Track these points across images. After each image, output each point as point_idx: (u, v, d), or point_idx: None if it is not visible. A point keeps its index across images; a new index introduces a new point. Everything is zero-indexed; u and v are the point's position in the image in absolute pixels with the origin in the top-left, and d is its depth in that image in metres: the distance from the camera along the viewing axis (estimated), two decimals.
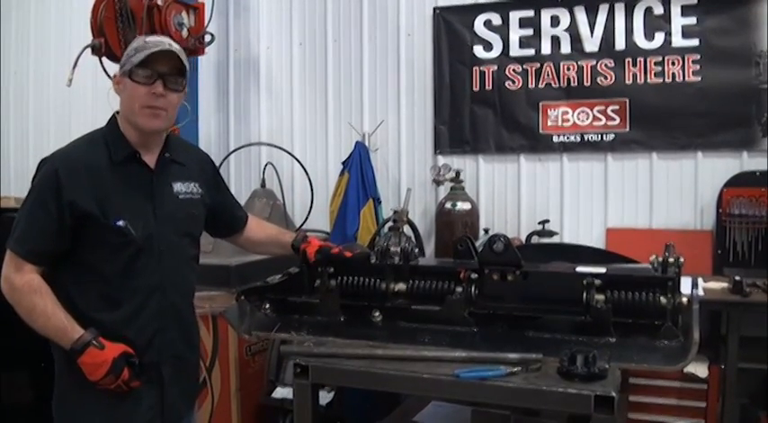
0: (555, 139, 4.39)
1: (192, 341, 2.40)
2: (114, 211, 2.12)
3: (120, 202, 2.14)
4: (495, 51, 4.50)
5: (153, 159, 2.24)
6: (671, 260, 2.23)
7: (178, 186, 2.29)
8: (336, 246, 2.58)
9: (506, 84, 4.47)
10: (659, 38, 4.16)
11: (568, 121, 4.36)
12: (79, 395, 2.15)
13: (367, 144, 4.70)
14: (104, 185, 2.13)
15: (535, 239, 4.22)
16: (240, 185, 5.05)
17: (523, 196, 4.50)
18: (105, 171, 2.15)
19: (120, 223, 2.11)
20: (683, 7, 4.11)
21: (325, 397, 3.65)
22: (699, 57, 4.09)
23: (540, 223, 4.29)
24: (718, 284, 3.59)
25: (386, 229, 4.18)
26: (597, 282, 2.24)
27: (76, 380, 2.10)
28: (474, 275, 2.39)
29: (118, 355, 2.07)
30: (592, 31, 4.29)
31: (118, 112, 2.27)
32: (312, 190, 4.54)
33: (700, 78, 4.09)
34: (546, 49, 4.38)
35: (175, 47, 2.17)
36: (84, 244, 2.12)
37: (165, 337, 2.23)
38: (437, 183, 4.52)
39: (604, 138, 4.29)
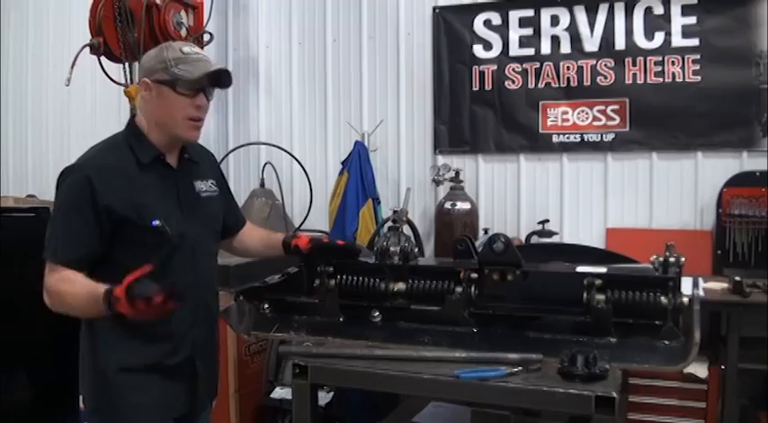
0: (555, 138, 4.39)
1: (217, 335, 2.46)
2: (149, 211, 2.14)
3: (153, 202, 2.17)
4: (495, 51, 4.49)
5: (174, 160, 2.28)
6: (672, 260, 2.23)
7: (198, 185, 2.34)
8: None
9: (506, 83, 4.47)
10: (659, 37, 4.15)
11: (568, 120, 4.35)
12: (121, 394, 2.17)
13: (366, 144, 4.69)
14: (136, 188, 2.15)
15: (535, 239, 4.21)
16: (239, 185, 5.04)
17: (523, 196, 4.49)
18: (134, 174, 2.17)
19: (156, 223, 2.14)
20: (683, 7, 4.10)
21: (324, 397, 3.65)
22: (699, 57, 4.08)
23: (539, 223, 4.28)
24: (717, 285, 3.59)
25: (385, 228, 4.17)
26: (598, 282, 2.23)
27: (122, 380, 2.15)
28: (474, 275, 2.39)
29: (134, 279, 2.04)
30: (592, 31, 4.28)
31: (134, 116, 2.29)
32: (311, 190, 4.53)
33: (700, 78, 4.08)
34: (546, 48, 4.37)
35: (218, 64, 2.26)
36: (120, 246, 2.14)
37: (198, 332, 2.28)
38: (436, 182, 4.52)
39: (604, 137, 4.28)
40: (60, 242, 2.11)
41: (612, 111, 4.25)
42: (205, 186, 2.36)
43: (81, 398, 2.32)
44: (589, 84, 4.29)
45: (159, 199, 2.19)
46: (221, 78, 2.25)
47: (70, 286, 2.06)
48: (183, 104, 2.17)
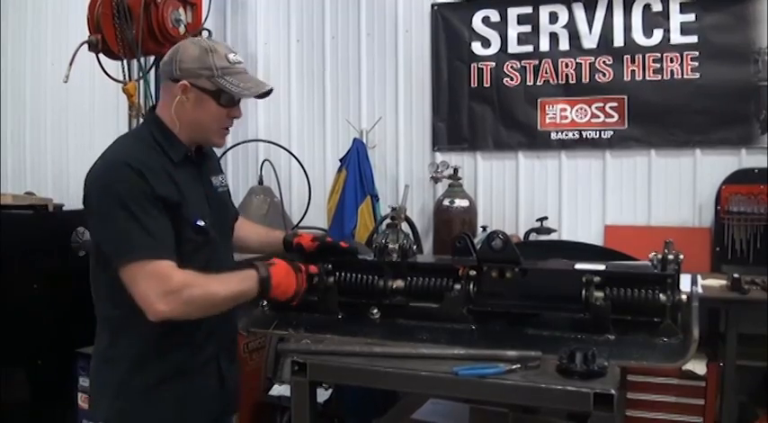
0: (553, 136, 4.39)
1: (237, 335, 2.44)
2: (190, 210, 2.10)
3: (192, 200, 2.13)
4: (494, 48, 4.48)
5: (193, 157, 2.25)
6: (670, 257, 2.22)
7: (214, 180, 2.32)
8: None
9: (504, 80, 4.46)
10: (658, 35, 4.15)
11: (567, 118, 4.35)
12: (146, 396, 2.10)
13: (365, 141, 4.68)
14: (175, 185, 2.10)
15: (533, 237, 4.22)
16: (237, 182, 5.04)
17: (522, 193, 4.49)
18: (171, 171, 2.10)
19: (201, 223, 2.12)
20: (681, 4, 4.09)
21: (322, 394, 3.65)
22: (697, 54, 4.08)
23: (538, 220, 4.28)
24: (716, 282, 3.59)
25: (384, 226, 4.16)
26: (596, 279, 2.23)
27: (145, 381, 2.09)
28: (472, 273, 2.39)
29: (294, 264, 2.24)
30: (590, 28, 4.27)
31: (153, 107, 2.25)
32: (310, 187, 4.52)
33: (698, 75, 4.08)
34: (544, 45, 4.37)
35: (269, 84, 2.25)
36: None
37: (222, 329, 2.25)
38: (435, 180, 4.53)
39: (603, 135, 4.28)
40: (136, 239, 1.95)
41: (611, 108, 4.25)
42: (219, 182, 2.34)
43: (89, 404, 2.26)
44: (588, 81, 4.28)
45: (194, 197, 2.15)
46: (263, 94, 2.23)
47: (213, 290, 2.02)
48: (221, 115, 2.15)
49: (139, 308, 1.96)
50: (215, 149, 2.55)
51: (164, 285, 1.93)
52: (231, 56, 2.15)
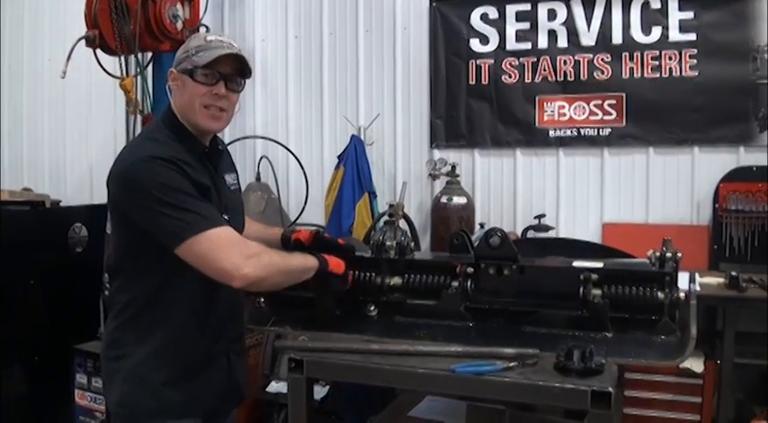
0: (551, 133, 4.38)
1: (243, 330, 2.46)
2: (215, 203, 2.12)
3: (213, 195, 2.13)
4: (492, 45, 4.48)
5: (207, 151, 2.24)
6: (668, 255, 2.22)
7: (227, 178, 2.32)
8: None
9: (503, 78, 4.46)
10: (656, 32, 4.15)
11: (565, 115, 4.35)
12: (156, 388, 2.12)
13: (362, 138, 4.68)
14: (205, 174, 2.12)
15: (531, 234, 4.22)
16: None
17: (519, 191, 4.49)
18: (191, 167, 2.08)
19: (226, 217, 2.13)
20: (680, 1, 4.10)
21: (319, 391, 3.65)
22: (696, 51, 4.08)
23: (536, 218, 4.29)
24: (714, 280, 3.60)
25: (381, 223, 4.16)
26: (594, 276, 2.23)
27: (155, 374, 2.10)
28: (470, 270, 2.38)
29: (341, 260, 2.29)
30: (589, 25, 4.27)
31: (169, 105, 2.23)
32: (307, 184, 4.52)
33: (697, 73, 4.08)
34: (543, 42, 4.37)
35: (237, 49, 2.18)
36: None
37: (229, 325, 2.26)
38: (433, 177, 4.53)
39: (601, 132, 4.28)
40: (193, 217, 1.96)
41: (609, 105, 4.25)
42: (231, 179, 2.34)
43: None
44: (586, 78, 4.28)
45: (214, 192, 2.15)
46: (241, 66, 2.19)
47: (282, 259, 2.10)
48: (200, 92, 2.12)
49: (157, 301, 2.05)
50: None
51: (246, 249, 2.00)
52: (210, 37, 2.16)
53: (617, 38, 4.22)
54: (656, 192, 4.22)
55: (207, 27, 4.38)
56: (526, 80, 4.41)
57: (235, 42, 2.20)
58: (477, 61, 4.52)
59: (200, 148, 2.18)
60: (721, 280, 3.56)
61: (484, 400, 2.65)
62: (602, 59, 4.24)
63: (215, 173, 2.23)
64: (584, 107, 4.31)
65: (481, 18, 4.49)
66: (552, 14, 4.34)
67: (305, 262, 2.18)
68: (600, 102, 4.27)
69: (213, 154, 2.25)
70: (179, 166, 2.00)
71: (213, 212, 2.02)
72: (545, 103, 4.38)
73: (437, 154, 4.61)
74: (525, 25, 4.40)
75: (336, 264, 2.26)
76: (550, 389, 1.90)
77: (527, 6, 4.39)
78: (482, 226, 4.30)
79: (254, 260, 1.98)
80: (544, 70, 4.37)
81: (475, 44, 4.52)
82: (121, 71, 4.07)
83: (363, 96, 4.83)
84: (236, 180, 2.40)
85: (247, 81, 2.29)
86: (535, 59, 4.38)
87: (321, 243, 2.52)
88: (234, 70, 2.18)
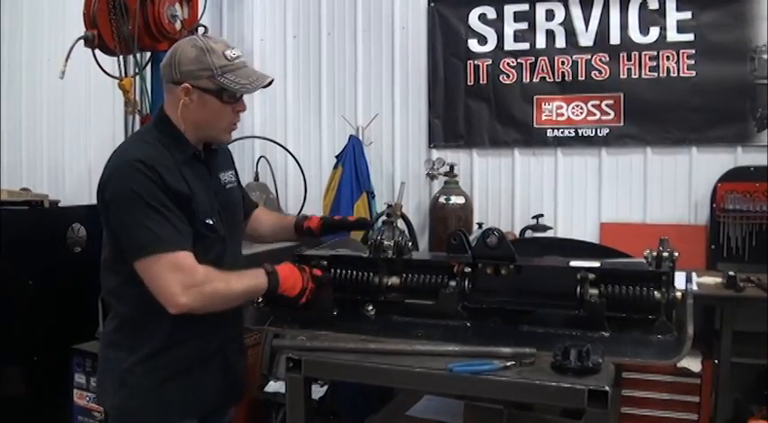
0: (549, 133, 4.39)
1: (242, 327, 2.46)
2: (199, 208, 2.11)
3: (200, 199, 2.13)
4: (490, 45, 4.49)
5: (201, 154, 2.24)
6: (665, 254, 2.22)
7: (223, 176, 2.32)
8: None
9: (501, 78, 4.47)
10: (654, 32, 4.16)
11: (563, 115, 4.36)
12: (152, 389, 2.12)
13: (361, 137, 4.69)
14: (186, 180, 2.10)
15: (529, 234, 4.22)
16: None
17: (517, 190, 4.50)
18: (180, 170, 2.10)
19: (209, 221, 2.13)
20: (678, 2, 4.11)
21: (317, 391, 3.65)
22: (694, 51, 4.09)
23: (533, 217, 4.29)
24: (711, 279, 3.60)
25: (379, 222, 4.16)
26: (591, 276, 2.23)
27: (151, 374, 2.11)
28: (468, 269, 2.38)
29: (298, 265, 2.29)
30: (587, 26, 4.28)
31: (162, 107, 2.22)
32: (305, 183, 4.53)
33: (694, 73, 4.09)
34: (541, 43, 4.37)
35: (268, 77, 2.23)
36: None
37: (226, 324, 2.26)
38: (431, 177, 4.53)
39: (599, 132, 4.29)
40: (155, 233, 1.96)
41: (607, 105, 4.25)
42: (228, 178, 2.34)
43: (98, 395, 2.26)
44: (584, 78, 4.29)
45: (202, 195, 2.15)
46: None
47: (223, 273, 2.05)
48: (226, 111, 2.15)
49: (150, 303, 1.99)
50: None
51: (188, 278, 1.96)
52: (229, 52, 2.14)
53: (615, 38, 4.22)
54: (653, 191, 4.23)
55: (205, 27, 4.38)
56: (524, 80, 4.42)
57: (238, 48, 2.21)
58: (476, 61, 4.52)
59: (192, 151, 2.17)
60: (719, 279, 3.57)
61: (481, 399, 2.66)
62: (600, 59, 4.25)
63: (208, 174, 2.23)
64: (582, 107, 4.31)
65: (479, 18, 4.50)
66: (550, 15, 4.34)
67: (255, 284, 2.13)
68: (598, 102, 4.28)
69: (206, 155, 2.25)
70: (158, 173, 2.00)
71: (172, 233, 1.98)
72: (543, 103, 4.39)
73: (435, 154, 4.62)
74: (523, 25, 4.41)
75: (292, 282, 2.22)
76: (547, 388, 1.90)
77: (525, 7, 4.39)
78: (480, 226, 4.30)
79: (193, 291, 1.96)
80: (542, 70, 4.37)
81: (473, 44, 4.53)
82: (120, 71, 4.07)
83: (362, 96, 4.84)
84: (234, 177, 2.40)
85: None
86: (533, 59, 4.39)
87: (330, 227, 2.61)
88: None
